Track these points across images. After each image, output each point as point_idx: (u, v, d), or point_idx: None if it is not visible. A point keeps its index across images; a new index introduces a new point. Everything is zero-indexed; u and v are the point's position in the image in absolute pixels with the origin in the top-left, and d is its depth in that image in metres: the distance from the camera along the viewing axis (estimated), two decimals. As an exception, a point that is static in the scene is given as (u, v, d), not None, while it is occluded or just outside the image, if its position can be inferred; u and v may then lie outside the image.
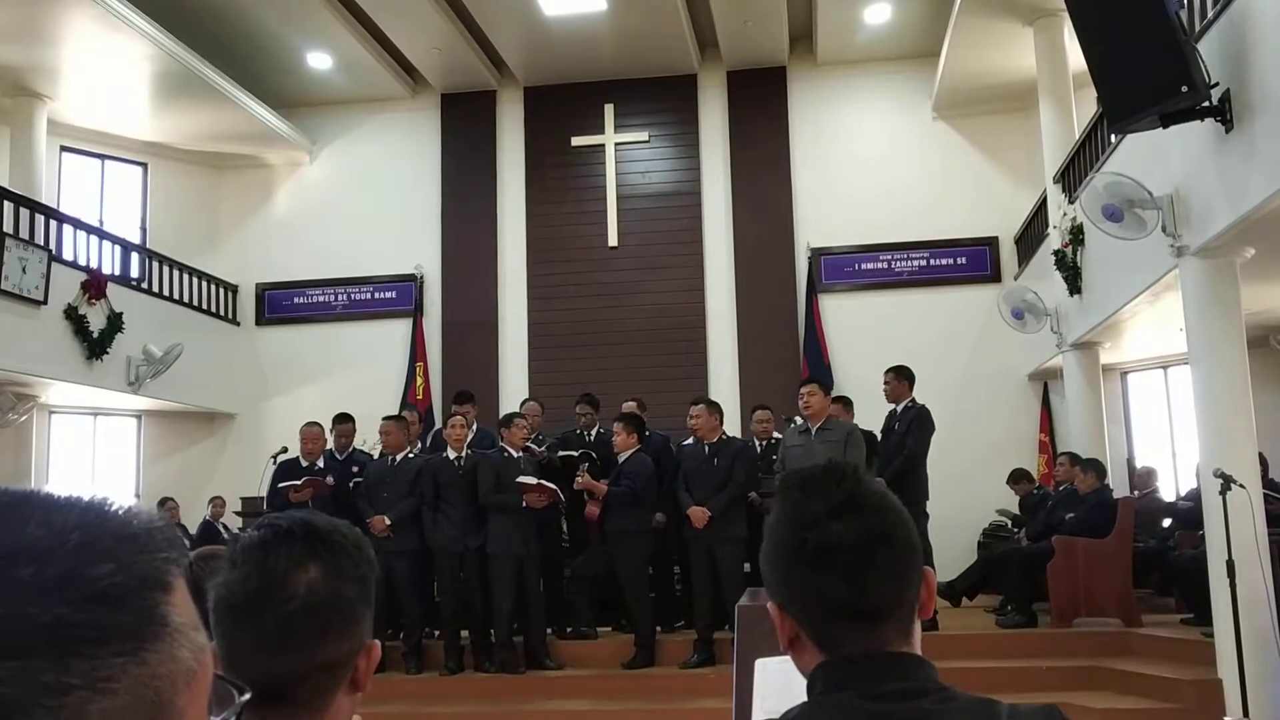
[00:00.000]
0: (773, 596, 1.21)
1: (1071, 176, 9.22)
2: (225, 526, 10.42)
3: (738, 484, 7.42)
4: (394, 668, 7.39)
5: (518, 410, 8.20)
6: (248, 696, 0.72)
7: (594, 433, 8.43)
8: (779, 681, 2.09)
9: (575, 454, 7.89)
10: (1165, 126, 5.84)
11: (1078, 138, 9.08)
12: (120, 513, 0.62)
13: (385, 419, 8.06)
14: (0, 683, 0.53)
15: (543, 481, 7.34)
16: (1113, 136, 7.60)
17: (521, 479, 7.32)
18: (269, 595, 1.18)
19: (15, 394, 9.74)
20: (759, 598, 2.65)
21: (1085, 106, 9.27)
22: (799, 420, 7.62)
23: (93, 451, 11.68)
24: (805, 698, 1.16)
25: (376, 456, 8.13)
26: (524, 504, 7.33)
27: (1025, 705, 1.16)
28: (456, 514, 7.49)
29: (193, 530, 10.71)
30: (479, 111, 12.49)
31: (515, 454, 7.55)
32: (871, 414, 8.38)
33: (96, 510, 0.61)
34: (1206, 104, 5.60)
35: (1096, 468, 8.32)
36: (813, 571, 1.15)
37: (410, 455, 7.93)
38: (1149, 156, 6.76)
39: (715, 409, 7.76)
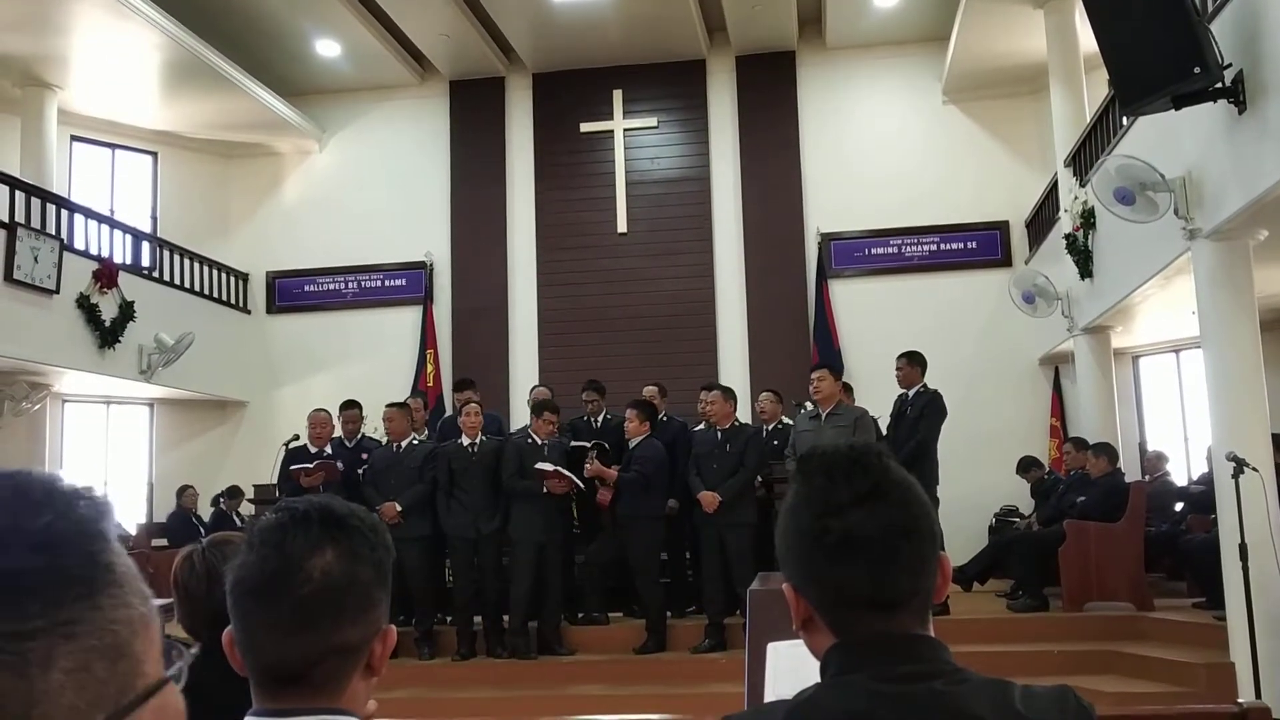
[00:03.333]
0: (788, 578, 1.21)
1: (1083, 159, 9.17)
2: (239, 515, 10.45)
3: (749, 469, 7.43)
4: (406, 653, 7.42)
5: (551, 401, 8.13)
6: (196, 650, 0.74)
7: (601, 419, 8.43)
8: (791, 665, 2.09)
9: (588, 445, 7.90)
10: (1177, 108, 5.80)
11: (1089, 120, 9.02)
12: (43, 474, 0.64)
13: (388, 406, 8.07)
14: None
15: (559, 469, 7.36)
16: (1124, 119, 7.56)
17: (540, 465, 7.34)
18: (286, 578, 1.19)
19: (28, 383, 9.79)
20: (770, 582, 2.65)
21: (1096, 89, 9.23)
22: (809, 405, 7.62)
23: (105, 440, 11.73)
24: (817, 681, 1.16)
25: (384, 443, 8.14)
26: (544, 489, 7.36)
27: (1038, 686, 1.15)
28: (470, 500, 7.51)
29: (206, 520, 10.78)
30: (488, 98, 12.48)
31: (540, 441, 7.57)
32: (882, 399, 8.36)
33: (21, 473, 0.63)
34: (1219, 85, 5.56)
35: (1108, 452, 8.30)
36: (833, 562, 1.14)
37: (415, 441, 7.94)
38: (1161, 139, 6.72)
39: (730, 395, 7.78)
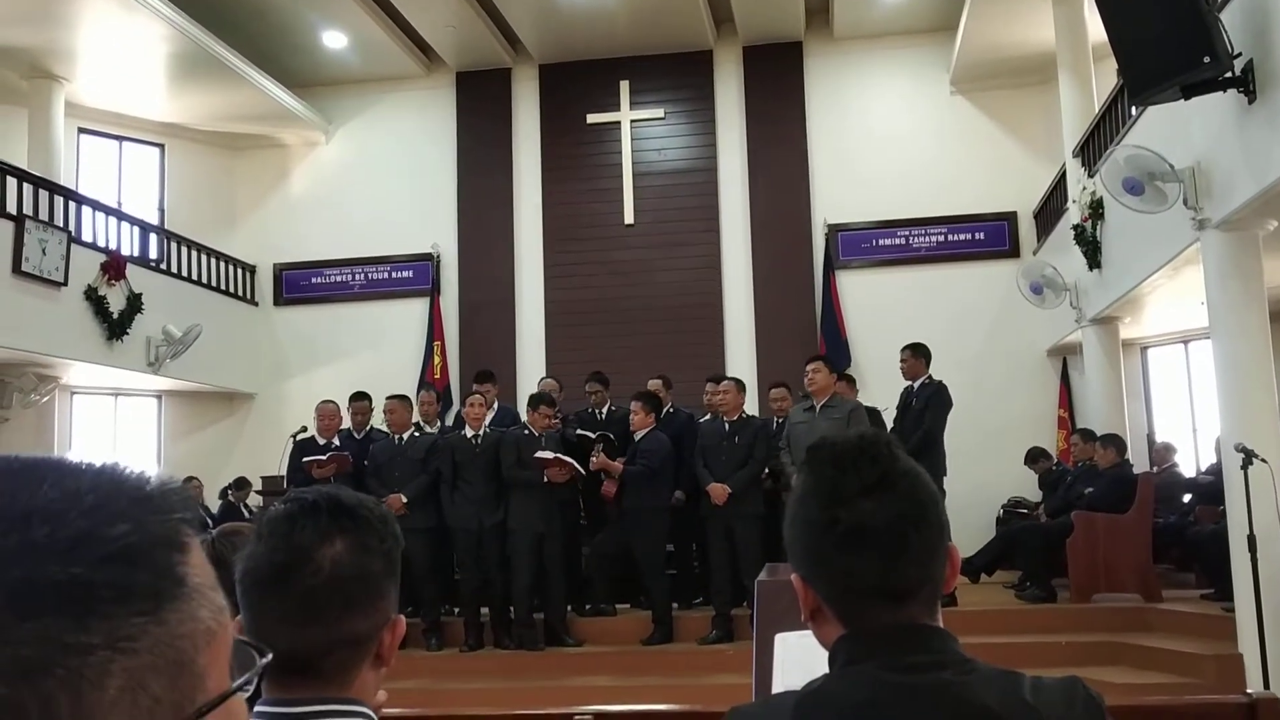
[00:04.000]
0: (796, 568, 1.20)
1: (1091, 150, 9.13)
2: (247, 507, 10.48)
3: (758, 461, 7.42)
4: (414, 644, 7.44)
5: (547, 394, 8.12)
6: (269, 659, 0.72)
7: (606, 411, 8.43)
8: (799, 656, 2.09)
9: (592, 435, 7.90)
10: (1186, 98, 5.77)
11: (1098, 110, 8.99)
12: (134, 475, 0.62)
13: (389, 398, 8.07)
14: (20, 644, 0.52)
15: (560, 455, 7.37)
16: (1133, 109, 7.52)
17: (540, 453, 7.34)
18: (295, 568, 1.19)
19: (37, 375, 9.81)
20: (778, 573, 2.65)
21: (1105, 79, 9.18)
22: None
23: (114, 432, 11.77)
24: (825, 671, 1.16)
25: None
26: (545, 479, 7.36)
27: (1047, 677, 1.15)
28: (474, 491, 7.52)
29: (214, 511, 10.80)
30: (494, 89, 12.46)
31: (537, 434, 7.57)
32: (889, 390, 8.35)
33: (110, 473, 0.61)
34: (1229, 75, 5.53)
35: (1116, 443, 8.28)
36: (842, 552, 1.14)
37: (416, 434, 7.95)
38: (1170, 129, 6.69)
39: (742, 387, 7.79)
